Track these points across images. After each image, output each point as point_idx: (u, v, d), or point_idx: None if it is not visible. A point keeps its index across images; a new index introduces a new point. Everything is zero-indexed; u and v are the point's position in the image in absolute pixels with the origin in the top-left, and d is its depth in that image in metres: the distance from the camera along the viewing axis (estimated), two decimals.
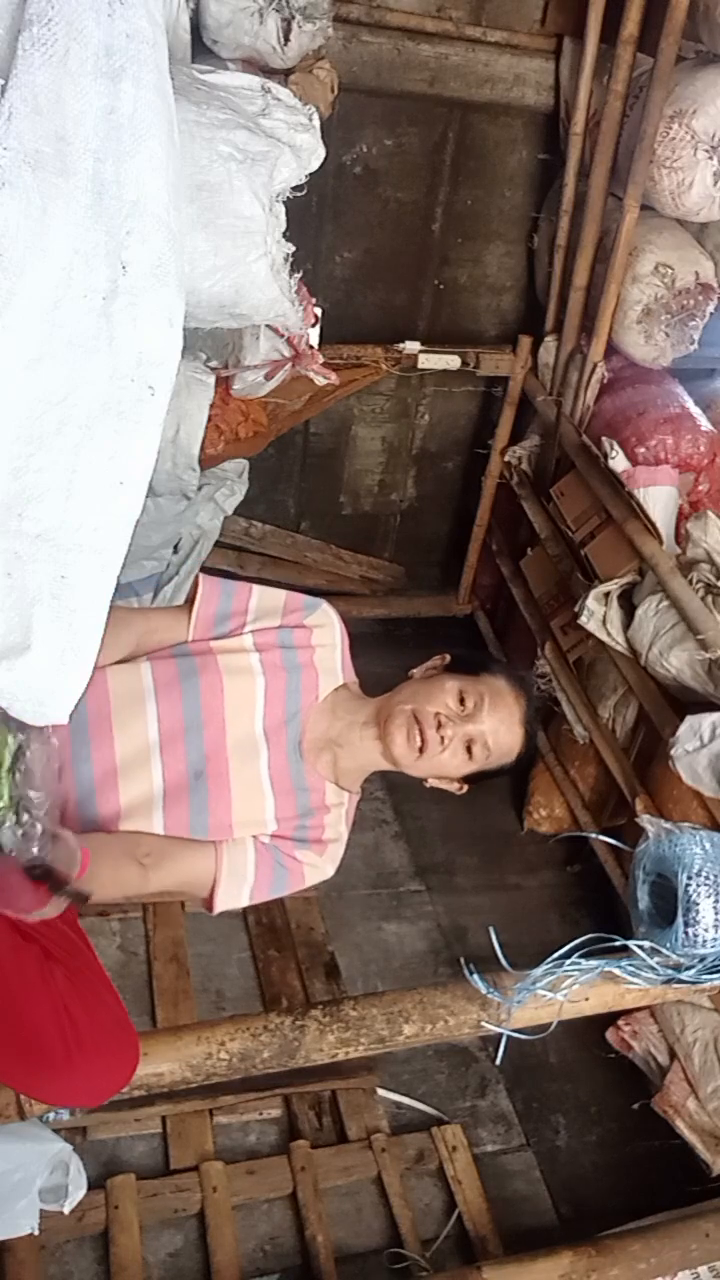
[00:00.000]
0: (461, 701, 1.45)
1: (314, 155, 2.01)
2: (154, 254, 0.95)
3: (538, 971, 1.73)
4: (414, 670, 1.56)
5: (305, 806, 1.49)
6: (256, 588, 1.55)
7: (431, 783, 1.54)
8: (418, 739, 1.43)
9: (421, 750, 1.44)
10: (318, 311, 2.35)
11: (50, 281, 0.91)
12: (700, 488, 2.92)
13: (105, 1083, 1.33)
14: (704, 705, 2.35)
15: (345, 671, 1.58)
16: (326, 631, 1.56)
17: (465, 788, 1.54)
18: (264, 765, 1.46)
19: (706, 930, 1.81)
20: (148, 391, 0.95)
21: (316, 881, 1.52)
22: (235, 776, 1.44)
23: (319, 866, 1.50)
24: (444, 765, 1.47)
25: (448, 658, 1.55)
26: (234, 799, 1.44)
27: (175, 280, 0.96)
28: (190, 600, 1.52)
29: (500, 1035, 1.73)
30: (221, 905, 1.45)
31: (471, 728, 1.45)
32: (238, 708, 1.45)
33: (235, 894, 1.45)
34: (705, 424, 2.94)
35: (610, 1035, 2.64)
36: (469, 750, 1.46)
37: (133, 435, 0.95)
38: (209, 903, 1.46)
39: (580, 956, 1.77)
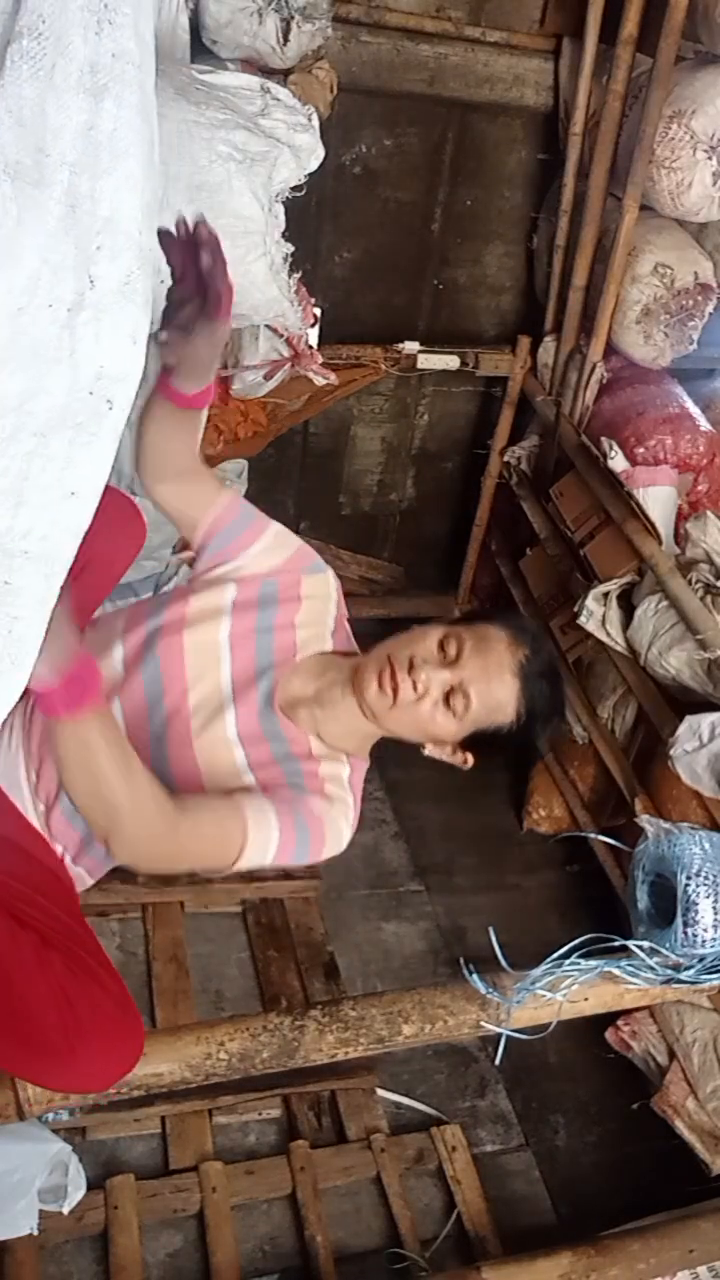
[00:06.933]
0: (442, 648, 1.32)
1: (313, 155, 2.02)
2: (123, 271, 0.95)
3: (537, 972, 1.73)
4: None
5: (283, 753, 1.38)
6: (269, 531, 1.47)
7: (429, 751, 1.41)
8: (390, 684, 1.31)
9: (395, 697, 1.32)
10: (317, 312, 2.35)
11: (17, 288, 0.92)
12: (699, 488, 2.92)
13: (109, 1068, 1.31)
14: (703, 705, 2.35)
15: (337, 639, 1.51)
16: (320, 591, 1.50)
17: (469, 760, 1.40)
18: (230, 721, 1.38)
19: (706, 930, 1.81)
20: (105, 405, 0.96)
21: (333, 849, 1.36)
22: (198, 736, 1.36)
23: (334, 819, 1.34)
24: (426, 719, 1.34)
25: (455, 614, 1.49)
26: (198, 754, 1.36)
27: (142, 298, 0.97)
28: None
29: (500, 1035, 1.73)
30: (250, 858, 1.28)
31: (449, 674, 1.31)
32: (200, 671, 1.40)
33: (263, 846, 1.28)
34: (704, 424, 2.94)
35: (610, 1035, 2.64)
36: (448, 701, 1.32)
37: (88, 447, 0.96)
38: (238, 855, 1.27)
39: (580, 956, 1.77)
